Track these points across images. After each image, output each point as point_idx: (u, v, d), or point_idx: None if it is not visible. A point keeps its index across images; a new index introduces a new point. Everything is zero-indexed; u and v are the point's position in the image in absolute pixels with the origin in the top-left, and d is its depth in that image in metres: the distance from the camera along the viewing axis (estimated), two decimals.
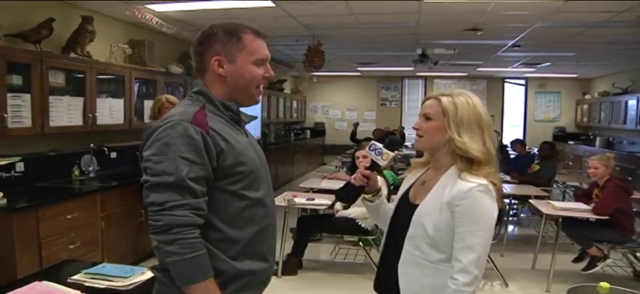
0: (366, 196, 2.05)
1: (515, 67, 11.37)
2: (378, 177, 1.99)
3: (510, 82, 14.36)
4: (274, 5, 5.47)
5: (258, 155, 1.79)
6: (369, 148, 2.00)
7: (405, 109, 14.94)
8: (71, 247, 4.07)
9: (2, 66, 3.93)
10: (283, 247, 5.02)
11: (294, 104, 13.73)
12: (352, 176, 1.99)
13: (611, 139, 11.59)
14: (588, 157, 11.36)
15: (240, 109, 1.82)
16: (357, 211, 4.78)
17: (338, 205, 5.04)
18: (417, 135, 1.84)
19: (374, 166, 2.01)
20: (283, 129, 13.30)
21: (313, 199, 5.05)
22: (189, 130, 1.55)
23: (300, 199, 5.03)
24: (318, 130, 15.10)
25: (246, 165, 1.66)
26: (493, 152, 1.74)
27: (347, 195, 2.03)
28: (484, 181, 1.65)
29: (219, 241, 1.62)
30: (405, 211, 1.83)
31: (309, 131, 14.55)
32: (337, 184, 5.96)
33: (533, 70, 11.69)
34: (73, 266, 2.47)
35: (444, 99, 1.76)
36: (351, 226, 4.87)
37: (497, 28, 6.67)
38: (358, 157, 4.90)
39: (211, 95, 1.70)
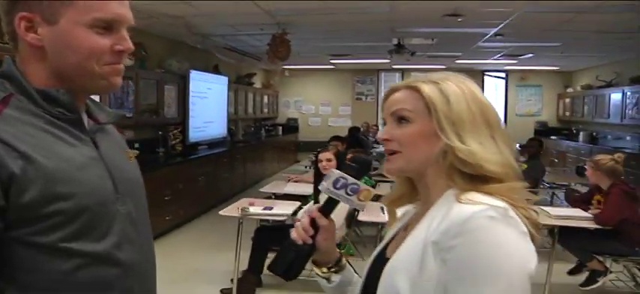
0: (317, 271, 1.23)
1: (495, 59, 10.86)
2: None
3: (490, 76, 13.89)
4: None
5: (118, 177, 1.09)
6: (335, 186, 1.12)
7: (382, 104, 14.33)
8: None
9: None
10: (238, 263, 4.34)
11: (265, 99, 13.03)
12: (292, 230, 1.16)
13: (594, 133, 11.18)
14: (572, 153, 11.14)
15: (94, 98, 1.14)
16: None
17: (302, 214, 4.38)
18: (386, 151, 1.09)
19: (328, 210, 1.16)
20: (253, 125, 12.60)
21: (272, 208, 4.36)
22: None
23: (257, 208, 4.33)
24: (291, 127, 14.43)
25: (72, 199, 0.96)
26: (514, 163, 1.04)
27: (287, 267, 1.13)
28: (499, 203, 0.93)
29: None
30: (374, 273, 1.10)
31: (281, 128, 13.83)
32: (303, 188, 5.32)
33: (515, 61, 11.22)
34: None
35: (426, 87, 1.05)
36: None
37: (480, 14, 6.08)
38: (321, 160, 4.21)
39: (23, 79, 1.01)
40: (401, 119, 1.07)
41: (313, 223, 1.14)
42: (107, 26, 1.03)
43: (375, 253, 1.18)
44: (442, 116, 1.02)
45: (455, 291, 0.90)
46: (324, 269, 1.22)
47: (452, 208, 0.95)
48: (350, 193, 1.12)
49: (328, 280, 1.23)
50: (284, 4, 5.64)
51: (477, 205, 0.92)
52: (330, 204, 1.15)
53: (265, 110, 13.03)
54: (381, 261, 1.10)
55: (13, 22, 1.01)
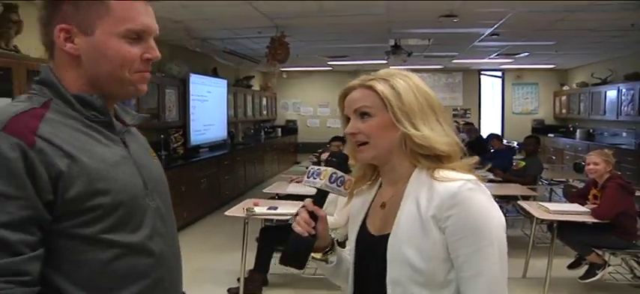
0: (316, 256, 1.38)
1: (491, 58, 10.94)
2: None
3: (487, 75, 13.97)
4: None
5: (146, 175, 1.19)
6: (330, 180, 1.27)
7: None
8: None
9: None
10: (244, 262, 4.41)
11: (264, 101, 13.08)
12: (294, 223, 1.30)
13: (591, 130, 11.26)
14: (569, 150, 11.22)
15: (121, 104, 1.25)
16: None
17: (300, 210, 4.41)
18: (356, 142, 1.27)
19: (321, 201, 1.31)
20: (253, 128, 12.66)
21: (276, 208, 4.44)
22: None
23: (262, 209, 4.41)
24: (290, 128, 14.50)
25: (109, 194, 1.07)
26: (458, 140, 1.27)
27: (298, 257, 1.28)
28: (469, 176, 1.19)
29: None
30: (370, 249, 1.29)
31: (280, 129, 13.88)
32: (305, 188, 5.36)
33: (511, 60, 11.30)
34: None
35: (379, 85, 1.25)
36: None
37: (475, 14, 6.17)
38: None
39: (60, 85, 1.10)
40: (363, 115, 1.26)
41: (312, 215, 1.28)
42: (137, 36, 1.13)
43: (357, 228, 1.37)
44: (397, 109, 1.22)
45: (458, 249, 1.15)
46: (321, 254, 1.39)
47: (433, 185, 1.18)
48: (339, 185, 1.29)
49: (327, 262, 1.40)
50: (282, 5, 5.69)
51: (457, 181, 1.16)
52: (321, 196, 1.30)
53: (264, 112, 13.09)
54: (365, 235, 1.33)
55: (52, 32, 1.10)
